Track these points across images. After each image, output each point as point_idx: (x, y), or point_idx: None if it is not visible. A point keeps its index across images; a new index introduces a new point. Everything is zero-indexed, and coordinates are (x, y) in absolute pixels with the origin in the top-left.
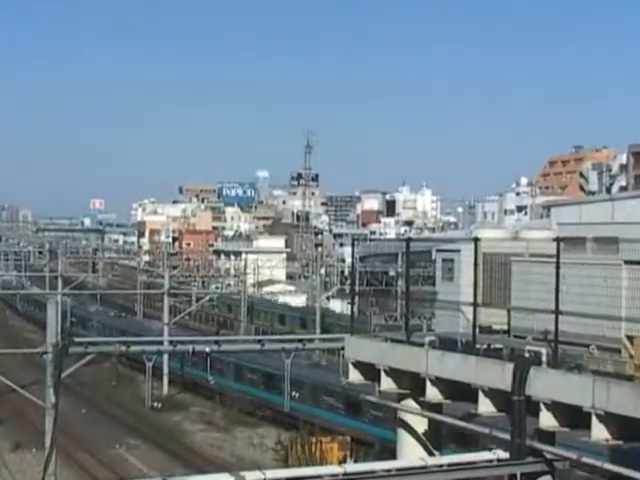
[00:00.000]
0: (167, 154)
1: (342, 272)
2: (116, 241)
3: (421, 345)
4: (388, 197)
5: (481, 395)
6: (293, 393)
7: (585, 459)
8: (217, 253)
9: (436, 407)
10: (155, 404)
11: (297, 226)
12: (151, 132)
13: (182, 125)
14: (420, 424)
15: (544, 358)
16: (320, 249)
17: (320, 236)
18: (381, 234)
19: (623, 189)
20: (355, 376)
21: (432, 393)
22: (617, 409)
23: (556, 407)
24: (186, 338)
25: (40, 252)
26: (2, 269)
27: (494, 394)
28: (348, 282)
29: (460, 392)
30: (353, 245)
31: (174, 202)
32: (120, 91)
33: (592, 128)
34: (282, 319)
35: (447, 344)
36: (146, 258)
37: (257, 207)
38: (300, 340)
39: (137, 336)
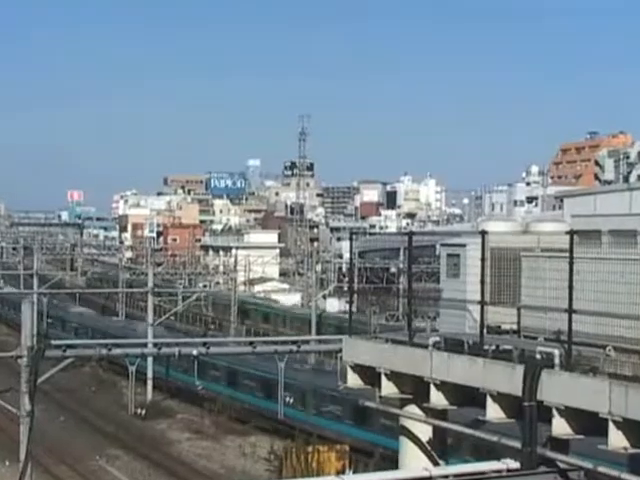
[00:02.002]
0: (151, 142)
1: (340, 269)
2: (96, 236)
3: (425, 347)
4: (389, 188)
5: (489, 400)
6: (287, 399)
7: (601, 469)
8: (205, 249)
9: (441, 413)
10: (139, 411)
11: (291, 219)
12: (133, 118)
13: (166, 111)
14: (424, 432)
15: (557, 360)
16: (316, 244)
17: (316, 230)
18: (381, 228)
19: None
20: (354, 380)
21: (437, 398)
22: (636, 415)
23: (570, 413)
24: (172, 340)
25: (14, 248)
26: None
27: (503, 399)
28: (346, 279)
29: (467, 397)
30: (351, 239)
31: (158, 194)
32: (98, 76)
33: (608, 112)
34: (275, 319)
35: (453, 345)
36: (128, 254)
37: (248, 199)
38: (294, 342)
39: (119, 338)
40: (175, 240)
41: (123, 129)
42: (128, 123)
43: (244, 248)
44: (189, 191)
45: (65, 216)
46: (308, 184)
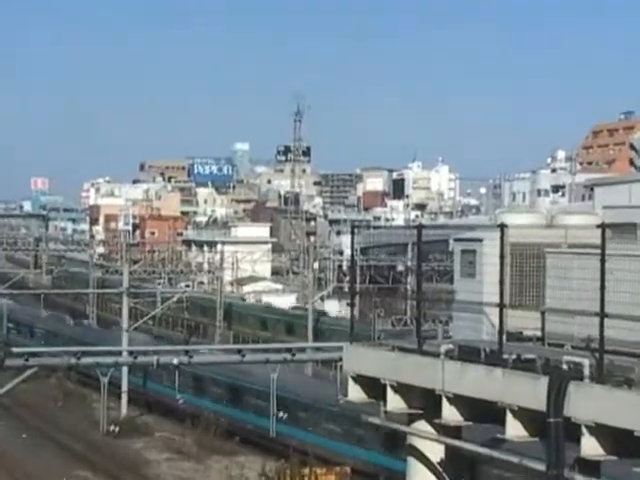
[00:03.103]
0: (126, 123)
1: (340, 267)
2: (63, 229)
3: (436, 355)
4: (395, 175)
5: (509, 416)
6: (280, 414)
7: None
8: (187, 244)
9: (454, 431)
10: (111, 428)
11: (285, 211)
12: (105, 96)
13: (143, 88)
14: (435, 451)
15: (586, 371)
16: (313, 239)
17: (313, 223)
18: (387, 220)
19: None
20: (355, 393)
21: (449, 413)
22: None
23: (601, 431)
24: (150, 348)
25: None
26: None
27: (525, 415)
28: (347, 279)
29: (484, 412)
30: (353, 233)
31: (134, 182)
32: (66, 49)
33: None
34: (265, 324)
35: (468, 354)
36: (100, 250)
37: (235, 187)
38: (288, 349)
39: (89, 345)
40: (153, 234)
41: (94, 108)
42: (100, 101)
43: (231, 243)
44: (169, 178)
45: (28, 206)
46: (304, 171)
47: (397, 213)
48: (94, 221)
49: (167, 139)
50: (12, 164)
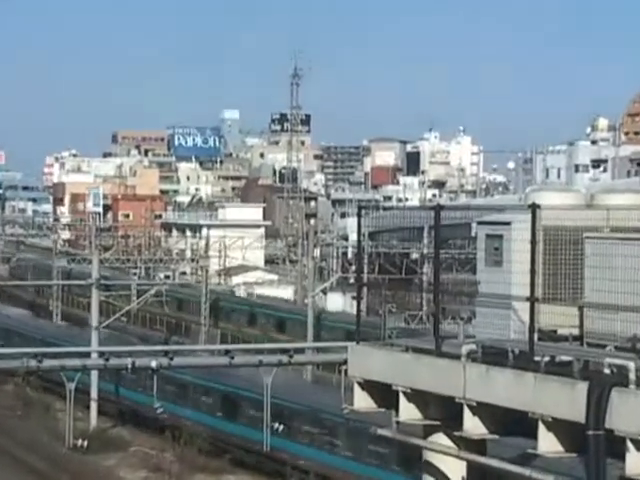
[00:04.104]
0: (96, 87)
1: (344, 254)
2: (22, 211)
3: (457, 357)
4: (409, 148)
5: (542, 428)
6: (276, 425)
7: None
8: (167, 228)
9: (478, 445)
10: (79, 442)
11: (280, 189)
12: (73, 57)
13: (116, 48)
14: (455, 469)
15: (632, 376)
16: (313, 221)
17: (313, 203)
18: (399, 200)
19: None
20: (362, 401)
21: (472, 425)
22: None
23: None
24: (124, 348)
25: None
26: None
27: (560, 427)
28: (353, 268)
29: (512, 424)
30: (359, 216)
31: (105, 156)
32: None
33: None
34: (254, 320)
35: (493, 356)
36: (66, 235)
37: (223, 162)
38: (285, 350)
39: (53, 345)
40: (128, 216)
41: (58, 70)
42: (65, 63)
43: (219, 227)
44: (146, 152)
45: None
46: (303, 143)
47: (411, 192)
48: (58, 201)
49: (144, 106)
50: None
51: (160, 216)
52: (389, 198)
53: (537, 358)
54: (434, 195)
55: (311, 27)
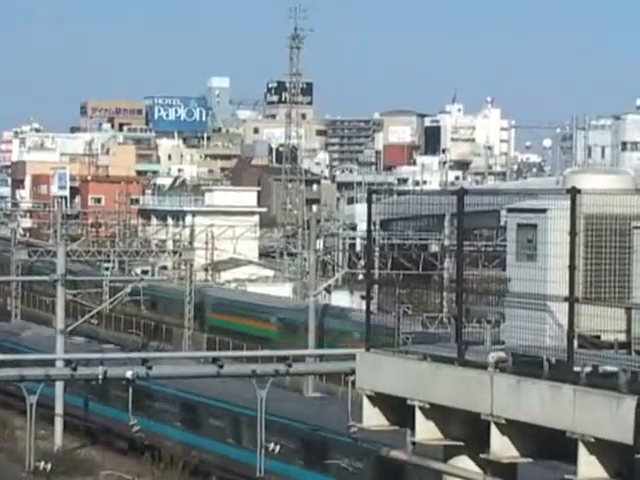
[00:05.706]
0: (62, 51)
1: (352, 246)
2: None
3: (483, 367)
4: (428, 122)
5: (582, 450)
6: (271, 446)
7: None
8: (145, 214)
9: (507, 469)
10: (41, 465)
11: (278, 170)
12: (36, 15)
13: (86, 6)
14: None
15: None
16: (316, 208)
17: (316, 187)
18: (416, 183)
19: None
20: (373, 418)
21: (500, 446)
22: None
23: None
24: (94, 356)
25: None
26: None
27: (604, 449)
28: (361, 262)
29: (547, 445)
30: (369, 201)
31: (73, 130)
32: None
33: None
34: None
35: (525, 365)
36: (27, 223)
37: (211, 139)
38: (283, 358)
39: (11, 352)
40: (99, 201)
41: (18, 33)
42: (27, 22)
43: (205, 214)
44: (120, 126)
45: None
46: (304, 116)
47: (430, 173)
48: (18, 183)
49: (118, 74)
50: None
51: (137, 201)
52: (404, 181)
53: (577, 368)
54: (457, 178)
55: None
